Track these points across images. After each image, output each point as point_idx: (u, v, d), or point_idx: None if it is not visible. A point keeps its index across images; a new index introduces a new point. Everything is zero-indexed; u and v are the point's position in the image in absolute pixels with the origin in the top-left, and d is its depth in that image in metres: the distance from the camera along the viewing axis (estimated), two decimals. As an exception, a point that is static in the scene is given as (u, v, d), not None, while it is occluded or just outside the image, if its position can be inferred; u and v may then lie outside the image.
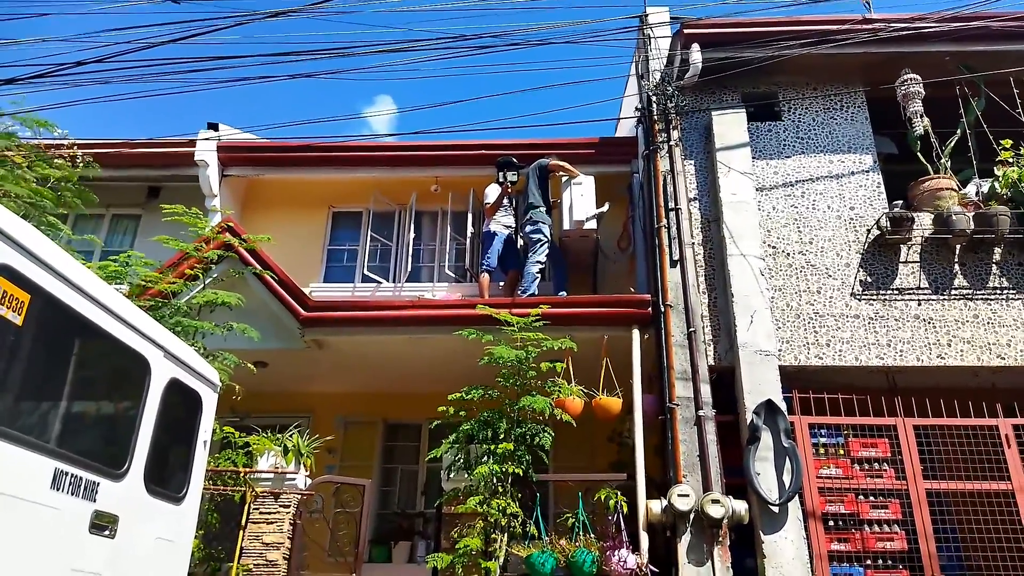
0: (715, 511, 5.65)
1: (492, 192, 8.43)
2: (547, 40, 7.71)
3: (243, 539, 5.80)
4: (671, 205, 7.08)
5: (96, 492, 3.15)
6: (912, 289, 6.67)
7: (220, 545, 5.84)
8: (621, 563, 5.45)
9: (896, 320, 6.53)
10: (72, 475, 2.99)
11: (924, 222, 6.79)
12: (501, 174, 8.38)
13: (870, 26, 7.28)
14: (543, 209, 8.08)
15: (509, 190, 8.40)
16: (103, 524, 3.19)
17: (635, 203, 8.16)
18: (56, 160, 7.25)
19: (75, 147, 7.65)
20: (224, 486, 6.04)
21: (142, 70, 7.33)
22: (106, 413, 3.63)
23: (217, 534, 5.88)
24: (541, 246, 7.93)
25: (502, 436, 5.64)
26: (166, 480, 3.90)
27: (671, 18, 8.03)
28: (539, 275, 7.88)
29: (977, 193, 7.11)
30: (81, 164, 7.19)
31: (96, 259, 8.39)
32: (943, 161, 7.13)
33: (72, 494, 2.99)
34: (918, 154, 7.16)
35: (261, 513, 5.93)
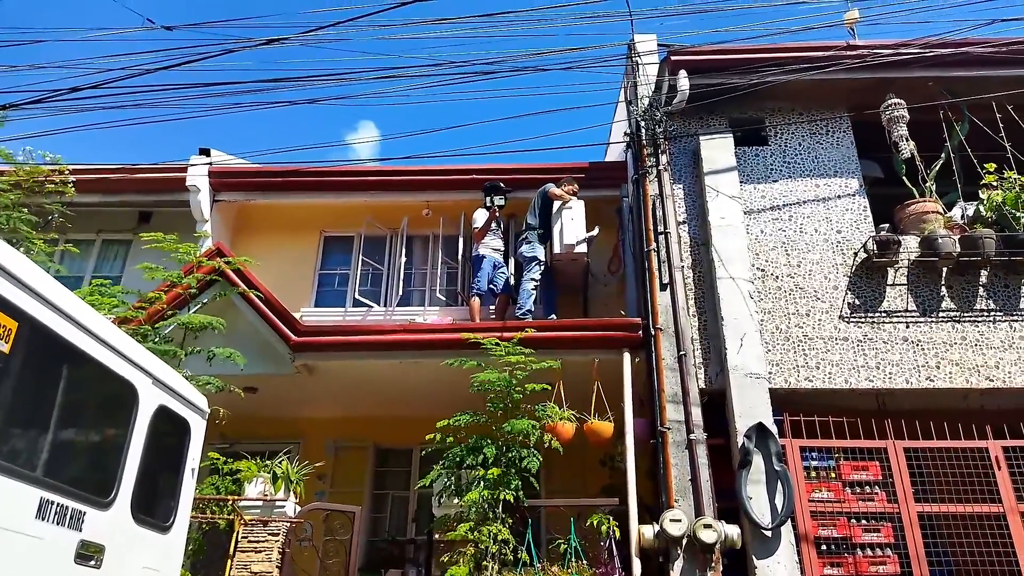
0: (707, 536, 5.61)
1: (480, 217, 8.49)
2: (540, 67, 7.78)
3: (231, 568, 5.72)
4: (660, 229, 7.13)
5: (82, 521, 3.12)
6: (900, 312, 6.71)
7: (208, 575, 5.75)
8: (613, 589, 5.41)
9: (885, 342, 6.57)
10: (58, 504, 2.95)
11: (910, 245, 6.86)
12: (488, 198, 8.45)
13: (855, 52, 7.39)
14: (539, 232, 8.16)
15: (496, 214, 8.46)
16: (89, 554, 3.15)
17: (625, 227, 8.21)
18: (48, 186, 7.29)
19: (65, 172, 7.68)
20: (212, 514, 5.97)
21: (135, 96, 7.35)
22: (93, 441, 3.60)
23: (205, 563, 5.80)
24: (534, 264, 8.00)
25: (491, 461, 5.62)
26: (153, 509, 3.86)
27: (659, 45, 8.15)
28: (534, 291, 7.92)
29: (962, 216, 7.19)
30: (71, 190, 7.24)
31: (86, 285, 8.37)
32: (928, 185, 7.21)
33: (58, 524, 2.96)
34: (903, 178, 7.25)
35: (249, 542, 5.86)
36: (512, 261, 8.75)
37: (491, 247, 8.40)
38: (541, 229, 8.21)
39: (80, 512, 3.10)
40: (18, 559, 2.78)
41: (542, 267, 8.06)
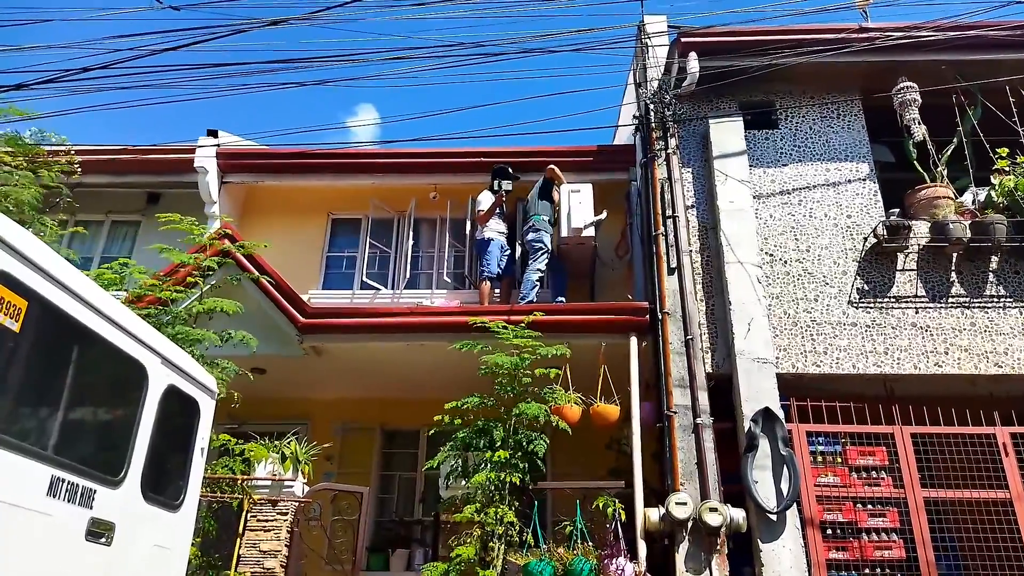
0: (713, 519, 5.64)
1: (485, 200, 8.46)
2: (548, 49, 7.72)
3: (240, 547, 5.78)
4: (669, 213, 7.10)
5: (93, 499, 3.14)
6: (909, 297, 6.68)
7: (217, 553, 5.81)
8: (619, 571, 5.43)
9: (893, 328, 6.54)
10: (68, 482, 2.98)
11: (921, 230, 6.81)
12: (495, 182, 8.41)
13: (867, 35, 7.31)
14: (546, 218, 8.11)
15: (503, 199, 8.42)
16: (99, 532, 3.19)
17: (633, 211, 8.17)
18: (55, 166, 7.30)
19: (72, 153, 7.69)
20: (222, 493, 6.02)
21: (144, 77, 7.34)
22: (103, 420, 3.62)
23: (214, 542, 5.85)
24: (542, 254, 7.95)
25: (498, 444, 5.64)
26: (163, 487, 3.89)
27: (669, 26, 8.06)
28: (538, 283, 7.90)
29: (974, 202, 7.13)
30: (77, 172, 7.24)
31: (95, 266, 8.41)
32: (940, 169, 7.14)
33: (68, 501, 2.99)
34: (915, 162, 7.18)
35: (259, 521, 5.92)
36: (519, 248, 8.71)
37: (497, 230, 8.36)
38: (546, 215, 8.15)
39: (90, 490, 3.13)
40: (29, 535, 2.81)
41: (548, 257, 8.02)
